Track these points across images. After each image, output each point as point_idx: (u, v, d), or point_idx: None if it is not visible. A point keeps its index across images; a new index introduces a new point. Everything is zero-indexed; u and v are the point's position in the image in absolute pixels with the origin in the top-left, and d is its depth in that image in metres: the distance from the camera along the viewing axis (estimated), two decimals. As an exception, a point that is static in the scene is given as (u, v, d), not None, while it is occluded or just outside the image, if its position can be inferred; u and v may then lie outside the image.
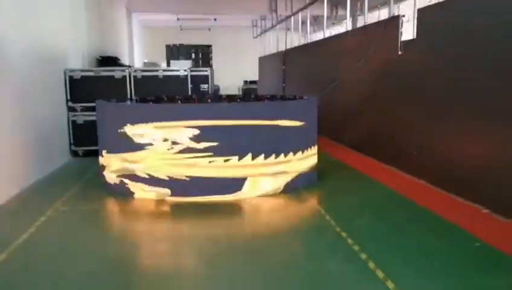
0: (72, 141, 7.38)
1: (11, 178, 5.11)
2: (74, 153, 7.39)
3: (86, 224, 4.22)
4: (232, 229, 4.15)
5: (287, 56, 12.80)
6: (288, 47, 13.38)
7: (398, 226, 4.02)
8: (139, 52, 16.66)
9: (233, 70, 20.74)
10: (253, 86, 19.16)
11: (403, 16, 5.95)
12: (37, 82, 6.12)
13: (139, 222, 4.32)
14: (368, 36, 6.89)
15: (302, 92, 11.01)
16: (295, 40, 13.52)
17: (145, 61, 13.56)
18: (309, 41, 12.63)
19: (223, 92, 20.68)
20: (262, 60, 17.10)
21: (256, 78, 18.48)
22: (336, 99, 8.22)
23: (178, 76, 7.66)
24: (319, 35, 15.89)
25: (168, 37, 19.26)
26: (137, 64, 15.24)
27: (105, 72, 7.51)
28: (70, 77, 7.30)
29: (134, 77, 7.52)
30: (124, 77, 7.50)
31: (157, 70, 7.70)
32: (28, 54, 5.77)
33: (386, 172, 5.99)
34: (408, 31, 5.92)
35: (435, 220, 4.13)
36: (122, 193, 4.91)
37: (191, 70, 8.28)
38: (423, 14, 5.45)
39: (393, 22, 6.08)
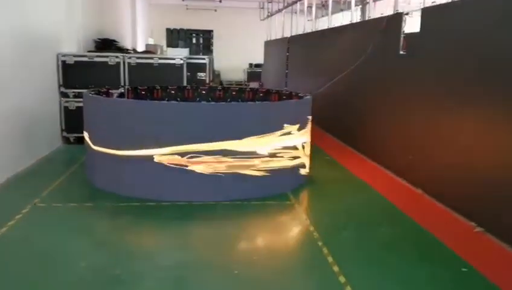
0: (63, 128, 7.23)
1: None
2: (66, 140, 7.25)
3: (62, 225, 4.08)
4: (208, 238, 3.99)
5: (291, 43, 12.50)
6: (294, 32, 13.04)
7: (383, 243, 3.85)
8: (143, 32, 16.35)
9: (239, 53, 20.38)
10: (258, 70, 18.90)
11: (406, 13, 5.67)
12: (26, 67, 5.94)
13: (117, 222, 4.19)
14: (368, 32, 6.62)
15: (302, 82, 10.76)
16: (303, 24, 13.14)
17: (148, 43, 13.28)
18: (316, 27, 12.30)
19: (228, 74, 20.52)
20: (268, 44, 16.76)
21: (262, 61, 18.17)
22: (334, 94, 7.98)
23: (174, 64, 7.45)
24: (326, 21, 15.46)
25: (174, 17, 18.87)
26: (140, 44, 14.97)
27: (99, 57, 7.31)
28: (63, 62, 7.11)
29: (129, 64, 7.32)
30: (118, 64, 7.30)
31: (152, 58, 7.49)
32: (14, 39, 5.57)
33: (380, 176, 5.80)
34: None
35: (423, 237, 3.96)
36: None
37: (188, 58, 8.09)
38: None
39: (396, 19, 5.80)
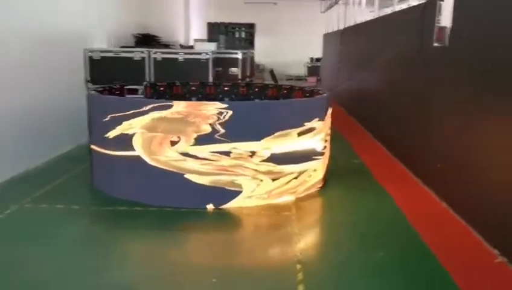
0: (90, 123, 7.21)
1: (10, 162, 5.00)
2: (93, 136, 7.22)
3: (32, 230, 3.88)
4: (175, 251, 3.63)
5: (344, 35, 11.79)
6: (352, 23, 12.28)
7: (377, 270, 3.25)
8: (198, 27, 16.30)
9: (300, 46, 19.84)
10: (319, 64, 18.24)
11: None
12: (50, 64, 5.99)
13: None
14: (399, 24, 5.89)
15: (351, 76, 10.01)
16: (363, 16, 12.30)
17: (195, 38, 13.19)
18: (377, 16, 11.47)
19: (290, 68, 20.05)
20: (326, 37, 16.05)
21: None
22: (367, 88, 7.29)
23: (199, 60, 7.16)
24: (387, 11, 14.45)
25: (231, 11, 18.67)
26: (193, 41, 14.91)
27: (124, 53, 7.21)
28: (90, 58, 7.10)
29: (154, 59, 7.15)
30: (143, 59, 7.16)
31: (177, 53, 7.26)
32: (36, 36, 5.60)
33: (410, 187, 5.12)
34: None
35: (427, 262, 3.31)
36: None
37: (218, 53, 7.78)
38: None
39: (429, 7, 5.05)
